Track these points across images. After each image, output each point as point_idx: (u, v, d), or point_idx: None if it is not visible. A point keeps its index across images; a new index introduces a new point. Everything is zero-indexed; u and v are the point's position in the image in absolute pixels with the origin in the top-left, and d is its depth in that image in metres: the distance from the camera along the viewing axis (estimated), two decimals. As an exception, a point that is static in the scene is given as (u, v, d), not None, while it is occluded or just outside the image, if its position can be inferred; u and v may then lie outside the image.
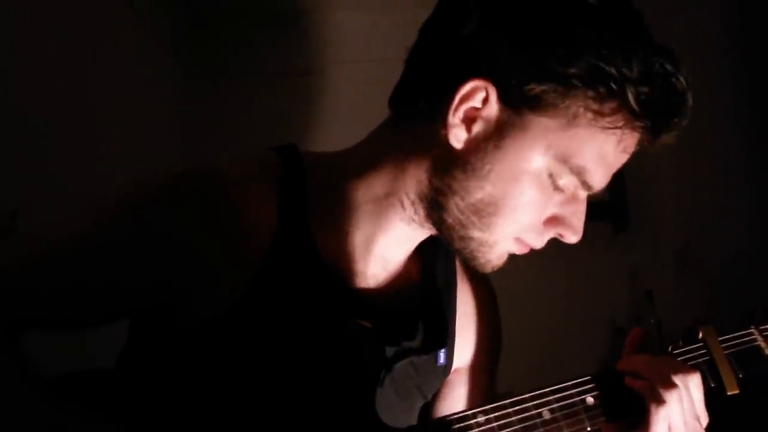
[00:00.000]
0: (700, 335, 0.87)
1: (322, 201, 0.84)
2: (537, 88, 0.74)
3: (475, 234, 0.80)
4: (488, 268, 0.84)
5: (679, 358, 0.85)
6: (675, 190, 2.66)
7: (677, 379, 0.77)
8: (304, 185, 0.84)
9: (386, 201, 0.84)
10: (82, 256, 0.79)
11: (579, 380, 0.84)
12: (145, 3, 2.59)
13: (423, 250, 0.91)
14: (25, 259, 0.80)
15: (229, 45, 2.99)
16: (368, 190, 0.84)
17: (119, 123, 2.36)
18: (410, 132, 0.83)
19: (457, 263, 0.96)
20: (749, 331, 0.88)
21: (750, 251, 2.50)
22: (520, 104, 0.76)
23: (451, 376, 0.95)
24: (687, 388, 0.78)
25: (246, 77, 2.95)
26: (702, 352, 0.86)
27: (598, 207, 2.56)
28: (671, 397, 0.77)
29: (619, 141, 0.77)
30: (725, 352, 0.85)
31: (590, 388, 0.83)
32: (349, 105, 2.75)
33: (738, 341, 0.87)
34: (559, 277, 2.66)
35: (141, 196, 0.81)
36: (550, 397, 0.81)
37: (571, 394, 0.82)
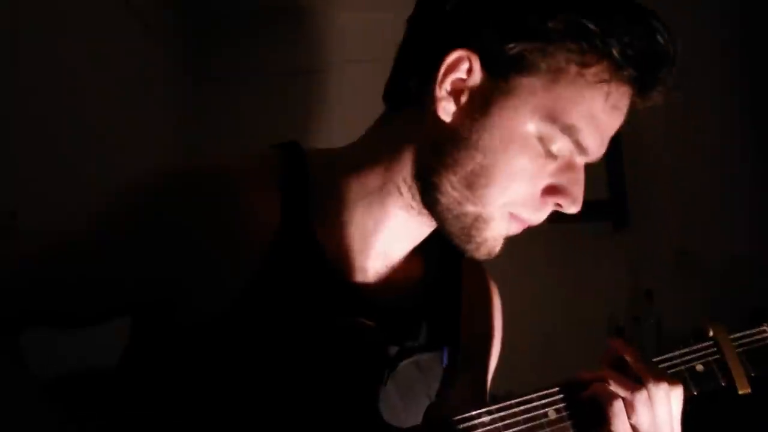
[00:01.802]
0: (711, 333, 0.85)
1: (323, 197, 0.84)
2: (517, 47, 0.74)
3: (470, 209, 0.79)
4: (482, 251, 0.82)
5: (690, 356, 0.84)
6: (675, 190, 2.66)
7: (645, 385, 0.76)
8: (306, 181, 0.84)
9: (384, 190, 0.84)
10: (82, 251, 0.79)
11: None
12: (144, 3, 2.59)
13: (426, 250, 0.91)
14: (26, 255, 0.80)
15: (229, 45, 3.00)
16: (365, 183, 0.84)
17: (119, 123, 2.36)
18: (402, 119, 0.83)
19: (464, 264, 0.95)
20: (761, 329, 0.86)
21: (750, 251, 2.50)
22: (503, 68, 0.76)
23: (453, 376, 0.95)
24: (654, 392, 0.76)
25: (246, 77, 2.95)
26: (713, 350, 0.84)
27: (598, 206, 2.57)
28: (635, 396, 0.76)
29: (607, 95, 0.75)
30: (737, 350, 0.84)
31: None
32: (349, 105, 2.75)
33: (750, 339, 0.85)
34: (558, 276, 2.66)
35: (142, 192, 0.81)
36: (556, 397, 0.81)
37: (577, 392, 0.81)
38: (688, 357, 0.84)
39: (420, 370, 0.87)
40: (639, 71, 0.75)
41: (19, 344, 0.79)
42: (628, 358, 0.80)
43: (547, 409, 0.80)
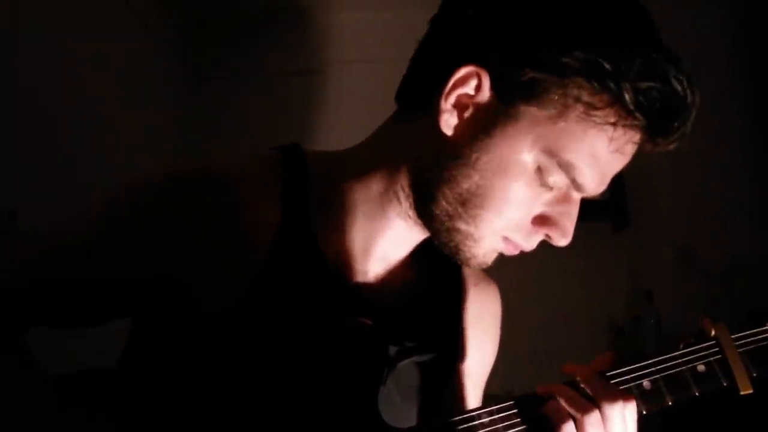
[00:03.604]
0: (713, 333, 0.84)
1: (324, 199, 0.84)
2: (529, 75, 0.73)
3: (462, 226, 0.79)
4: (473, 264, 0.82)
5: (691, 356, 0.83)
6: (675, 190, 2.66)
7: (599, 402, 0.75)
8: (307, 184, 0.84)
9: (384, 197, 0.83)
10: (83, 250, 0.79)
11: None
12: (144, 3, 2.59)
13: (426, 252, 0.91)
14: (26, 254, 0.80)
15: (229, 45, 3.00)
16: (368, 188, 0.84)
17: (119, 123, 2.36)
18: (408, 125, 0.83)
19: (463, 268, 0.95)
20: (764, 329, 0.85)
21: (750, 251, 2.50)
22: (512, 93, 0.75)
23: (452, 378, 0.95)
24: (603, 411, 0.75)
25: (246, 77, 2.95)
26: (714, 350, 0.83)
27: (598, 206, 2.56)
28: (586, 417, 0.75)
29: (611, 139, 0.74)
30: (738, 350, 0.83)
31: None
32: (349, 105, 2.75)
33: (751, 339, 0.84)
34: (559, 276, 2.66)
35: (142, 191, 0.80)
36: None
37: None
38: (690, 357, 0.83)
39: (419, 370, 0.87)
40: (649, 120, 0.73)
41: (24, 343, 0.79)
42: (579, 379, 0.79)
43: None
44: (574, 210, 0.79)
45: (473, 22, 0.77)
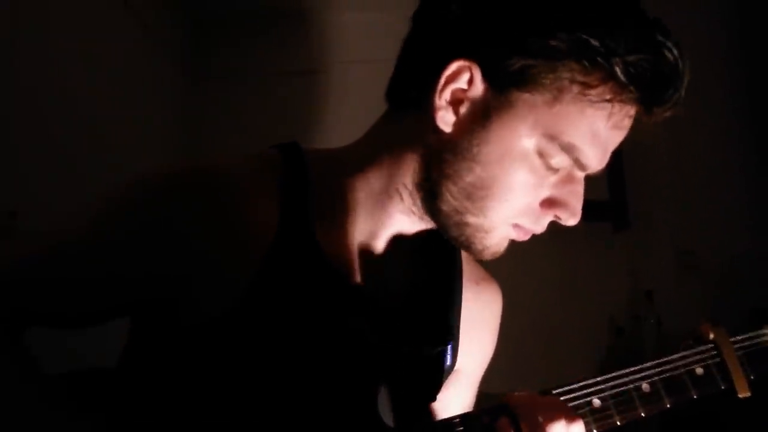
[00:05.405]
0: (711, 336, 0.85)
1: (323, 197, 0.84)
2: (519, 62, 0.73)
3: (470, 219, 0.79)
4: (487, 255, 0.83)
5: (689, 359, 0.83)
6: (675, 190, 2.66)
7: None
8: (306, 182, 0.84)
9: (385, 194, 0.84)
10: (82, 250, 0.79)
11: (585, 383, 0.82)
12: (143, 3, 2.59)
13: (427, 251, 0.91)
14: (26, 254, 0.80)
15: (228, 45, 3.00)
16: (367, 185, 0.84)
17: (118, 123, 2.36)
18: (403, 122, 0.83)
19: (464, 265, 0.96)
20: (762, 331, 0.86)
21: (750, 251, 2.50)
22: (505, 82, 0.75)
23: (452, 377, 0.95)
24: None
25: (245, 77, 2.95)
26: (713, 353, 0.84)
27: (598, 207, 2.56)
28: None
29: (609, 116, 0.74)
30: (737, 353, 0.83)
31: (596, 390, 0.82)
32: (349, 105, 2.75)
33: (750, 342, 0.85)
34: (559, 276, 2.66)
35: (141, 191, 0.81)
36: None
37: (578, 396, 0.81)
38: (688, 360, 0.84)
39: (419, 370, 0.87)
40: (643, 91, 0.74)
41: (22, 344, 0.79)
42: (520, 401, 0.78)
43: None
44: (580, 188, 0.80)
45: (458, 16, 0.77)
